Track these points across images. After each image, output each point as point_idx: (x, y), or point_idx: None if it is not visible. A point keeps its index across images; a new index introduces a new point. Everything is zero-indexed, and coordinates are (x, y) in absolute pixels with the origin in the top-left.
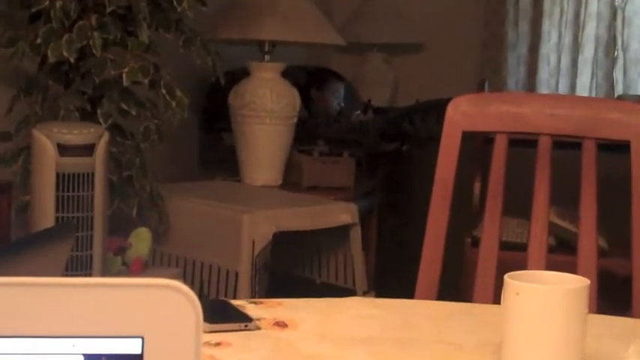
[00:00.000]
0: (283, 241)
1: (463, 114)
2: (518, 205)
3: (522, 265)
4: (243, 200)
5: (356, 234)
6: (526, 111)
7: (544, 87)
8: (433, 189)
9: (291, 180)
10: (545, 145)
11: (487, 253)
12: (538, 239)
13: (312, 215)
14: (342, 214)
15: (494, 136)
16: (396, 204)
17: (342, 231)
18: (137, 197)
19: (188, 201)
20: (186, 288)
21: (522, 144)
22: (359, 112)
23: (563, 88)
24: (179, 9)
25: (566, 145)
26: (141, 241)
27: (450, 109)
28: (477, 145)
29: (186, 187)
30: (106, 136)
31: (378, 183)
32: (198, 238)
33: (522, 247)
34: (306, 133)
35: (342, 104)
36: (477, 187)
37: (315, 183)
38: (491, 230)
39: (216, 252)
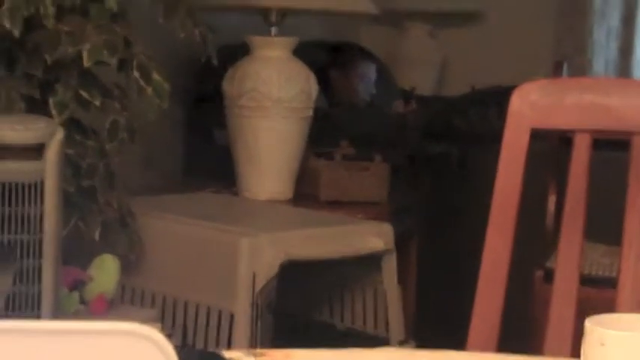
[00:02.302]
0: (294, 273)
1: (532, 106)
2: (605, 228)
3: (610, 306)
4: (241, 219)
5: (390, 264)
6: (616, 102)
7: None
8: (492, 205)
9: (306, 193)
10: None
11: (563, 291)
12: (631, 272)
13: (332, 239)
14: (373, 237)
15: (573, 136)
16: (444, 224)
17: (373, 260)
18: (101, 215)
19: (168, 220)
20: (158, 335)
21: (611, 146)
22: (398, 102)
23: None
24: None
25: None
26: (105, 272)
27: (516, 100)
28: (551, 146)
29: (166, 201)
30: (60, 134)
31: (421, 197)
32: (182, 270)
33: (611, 283)
34: (326, 131)
35: (374, 92)
36: (551, 202)
37: (336, 197)
38: (568, 260)
39: (205, 287)
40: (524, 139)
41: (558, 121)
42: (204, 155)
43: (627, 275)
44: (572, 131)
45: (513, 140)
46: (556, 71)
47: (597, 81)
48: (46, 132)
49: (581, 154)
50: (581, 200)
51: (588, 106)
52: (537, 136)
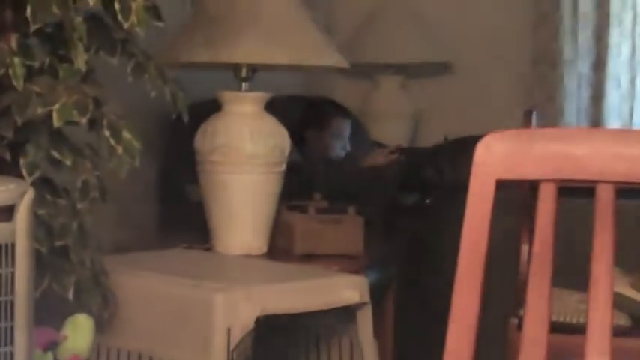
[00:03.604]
0: (270, 327)
1: (497, 157)
2: (581, 274)
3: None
4: (215, 275)
5: (366, 316)
6: (581, 151)
7: (614, 116)
8: (459, 257)
9: (280, 246)
10: (605, 195)
11: (533, 338)
12: (599, 319)
13: (307, 293)
14: (348, 290)
15: (538, 186)
16: (420, 276)
17: (348, 312)
18: (74, 274)
19: (142, 277)
20: None
21: (580, 193)
22: (378, 154)
23: None
24: (126, 25)
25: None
26: (79, 331)
27: (480, 151)
28: (523, 195)
29: (139, 258)
30: (30, 194)
31: (396, 248)
32: (156, 327)
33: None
34: (299, 185)
35: (349, 148)
36: (523, 251)
37: (311, 250)
38: (537, 307)
39: (179, 344)
40: (490, 191)
41: (523, 171)
42: (178, 211)
43: (595, 322)
44: (538, 182)
45: (479, 192)
46: (526, 120)
47: (561, 131)
48: (16, 193)
49: (546, 204)
50: (549, 249)
51: (553, 156)
52: (509, 186)
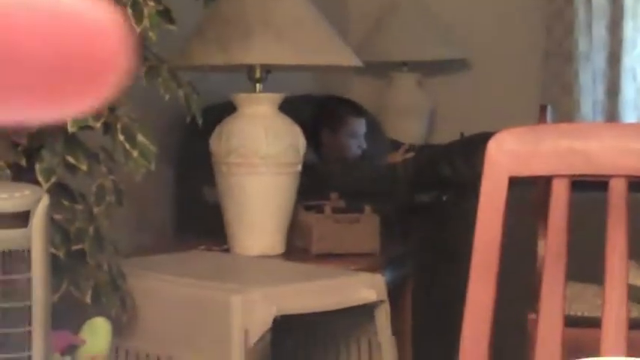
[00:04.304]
0: (287, 327)
1: (509, 154)
2: (598, 268)
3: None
4: (232, 276)
5: (383, 315)
6: (593, 146)
7: (630, 110)
8: (473, 255)
9: (297, 246)
10: (618, 189)
11: (548, 333)
12: (614, 314)
13: (324, 292)
14: (365, 289)
15: (551, 181)
16: (437, 273)
17: (366, 311)
18: (92, 278)
19: (160, 280)
20: None
21: (594, 187)
22: (395, 152)
23: None
24: (138, 29)
25: None
26: (97, 335)
27: (492, 148)
28: (538, 190)
29: (156, 261)
30: (45, 200)
31: (412, 246)
32: (174, 329)
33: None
34: (315, 184)
35: (365, 147)
36: (540, 246)
37: (328, 249)
38: (551, 303)
39: (198, 346)
40: (503, 188)
41: (536, 168)
42: (195, 213)
43: (610, 317)
44: (550, 177)
45: (491, 189)
46: (541, 115)
47: (573, 126)
48: (31, 199)
49: (559, 199)
50: (563, 244)
51: (565, 151)
52: (524, 181)
